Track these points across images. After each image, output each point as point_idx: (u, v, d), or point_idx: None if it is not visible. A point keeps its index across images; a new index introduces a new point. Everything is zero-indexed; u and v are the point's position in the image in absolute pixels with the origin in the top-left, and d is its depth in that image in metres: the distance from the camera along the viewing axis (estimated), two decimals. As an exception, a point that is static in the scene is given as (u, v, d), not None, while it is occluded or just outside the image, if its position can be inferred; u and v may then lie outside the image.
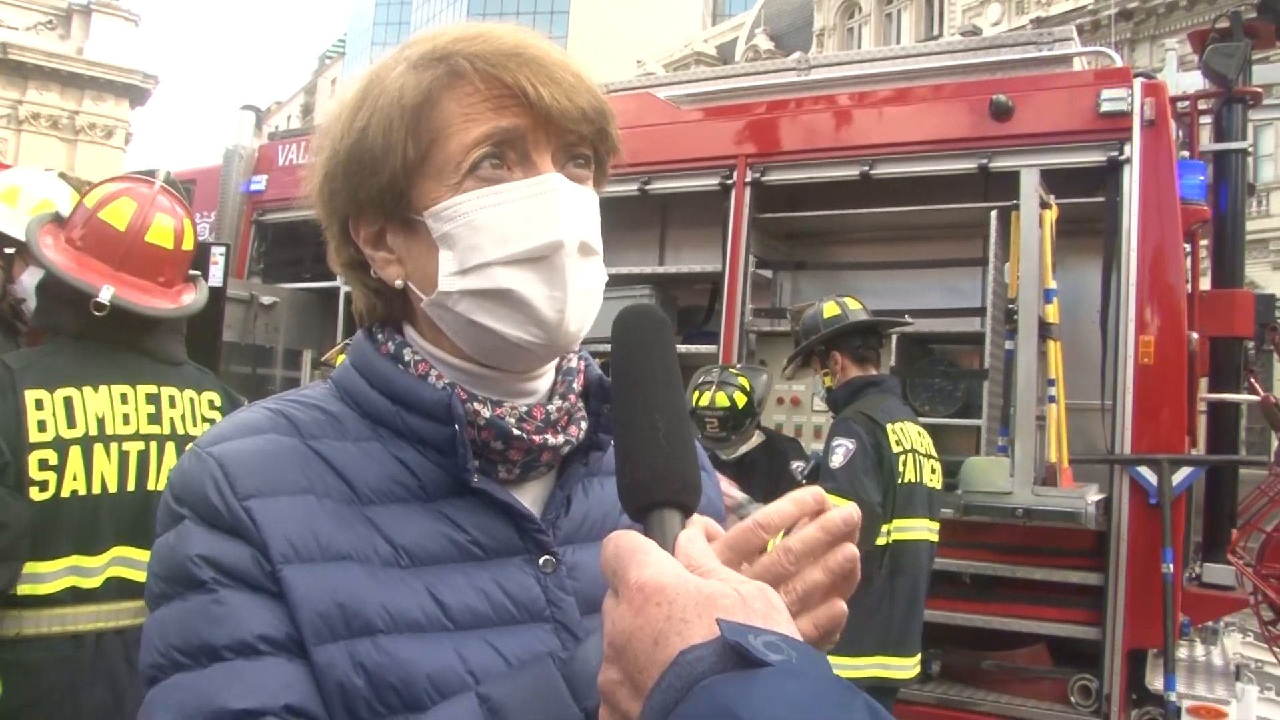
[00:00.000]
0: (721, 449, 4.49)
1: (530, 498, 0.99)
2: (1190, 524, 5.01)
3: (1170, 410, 4.44)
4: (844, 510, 0.79)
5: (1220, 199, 5.15)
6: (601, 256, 0.98)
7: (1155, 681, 4.29)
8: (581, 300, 0.94)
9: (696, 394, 4.50)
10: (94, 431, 2.24)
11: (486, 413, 0.95)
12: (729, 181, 5.45)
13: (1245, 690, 4.46)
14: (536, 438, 0.96)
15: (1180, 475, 4.32)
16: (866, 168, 5.10)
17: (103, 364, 2.32)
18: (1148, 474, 4.32)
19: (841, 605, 0.80)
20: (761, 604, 0.63)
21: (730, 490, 3.65)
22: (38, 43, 29.21)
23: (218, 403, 2.57)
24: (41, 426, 2.17)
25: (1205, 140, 5.24)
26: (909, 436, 3.74)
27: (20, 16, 29.11)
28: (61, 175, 3.19)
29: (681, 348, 5.89)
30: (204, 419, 2.51)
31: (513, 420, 0.95)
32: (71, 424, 2.21)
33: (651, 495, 0.74)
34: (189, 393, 2.48)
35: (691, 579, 0.64)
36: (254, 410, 0.98)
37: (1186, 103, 5.13)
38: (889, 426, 3.66)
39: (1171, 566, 4.20)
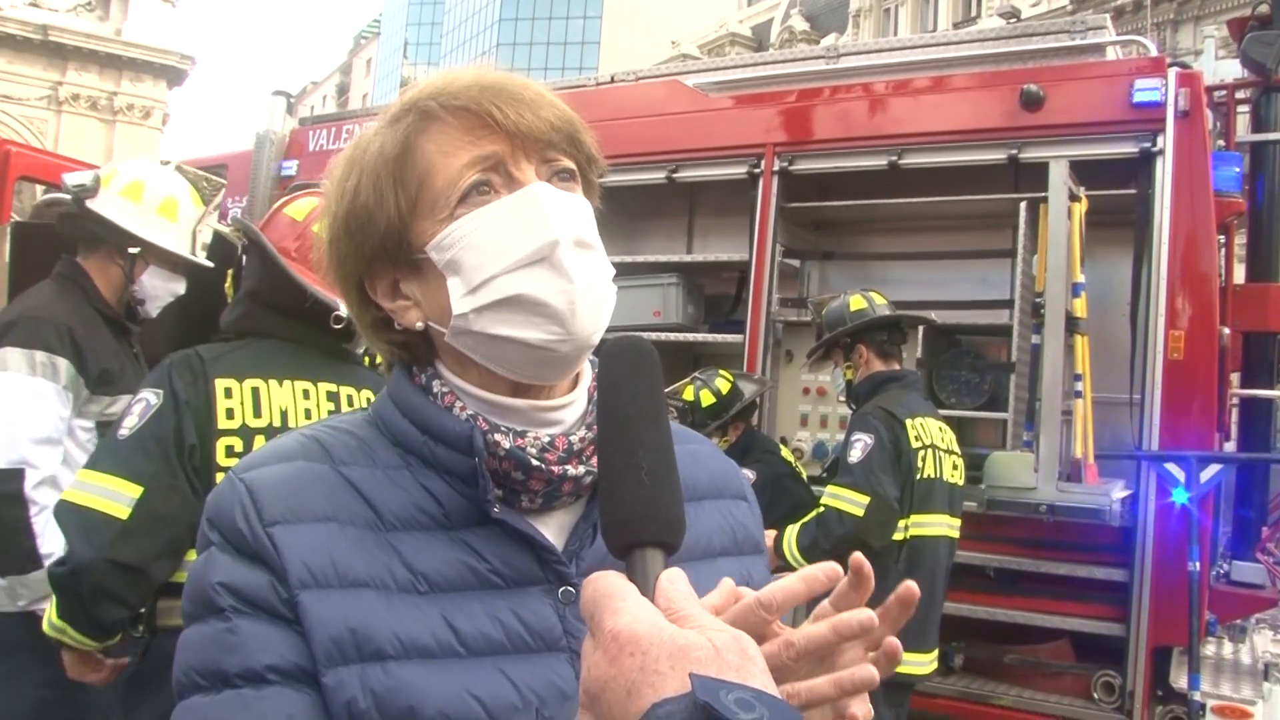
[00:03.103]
0: None
1: (555, 527, 1.00)
2: (1219, 521, 4.95)
3: (1200, 406, 4.38)
4: (861, 615, 0.79)
5: (1257, 191, 5.06)
6: (602, 252, 0.99)
7: (1180, 679, 4.25)
8: (590, 293, 0.95)
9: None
10: (278, 423, 2.26)
11: (507, 444, 0.96)
12: (756, 170, 5.42)
13: (1273, 690, 4.40)
14: (557, 469, 0.97)
15: (1209, 472, 4.27)
16: (895, 157, 5.06)
17: (287, 360, 2.34)
18: (1175, 471, 4.28)
19: (855, 713, 0.80)
20: (736, 655, 0.63)
21: None
22: (77, 24, 29.48)
23: None
24: (230, 414, 2.20)
25: (1243, 130, 5.14)
26: (929, 432, 3.72)
27: (60, -2, 29.42)
28: (179, 169, 3.28)
29: (709, 337, 5.90)
30: None
31: (534, 451, 0.97)
32: (258, 414, 2.24)
33: (633, 534, 0.74)
34: (366, 392, 2.47)
35: (667, 628, 0.64)
36: (290, 436, 1.03)
37: (1223, 92, 5.03)
38: (908, 421, 3.64)
39: (1198, 564, 4.16)
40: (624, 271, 6.23)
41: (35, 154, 8.71)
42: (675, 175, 5.64)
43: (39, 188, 9.72)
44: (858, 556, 0.82)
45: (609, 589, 0.68)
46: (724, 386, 4.40)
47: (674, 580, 0.70)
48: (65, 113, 29.34)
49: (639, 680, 0.61)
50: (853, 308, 4.00)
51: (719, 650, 0.62)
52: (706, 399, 4.36)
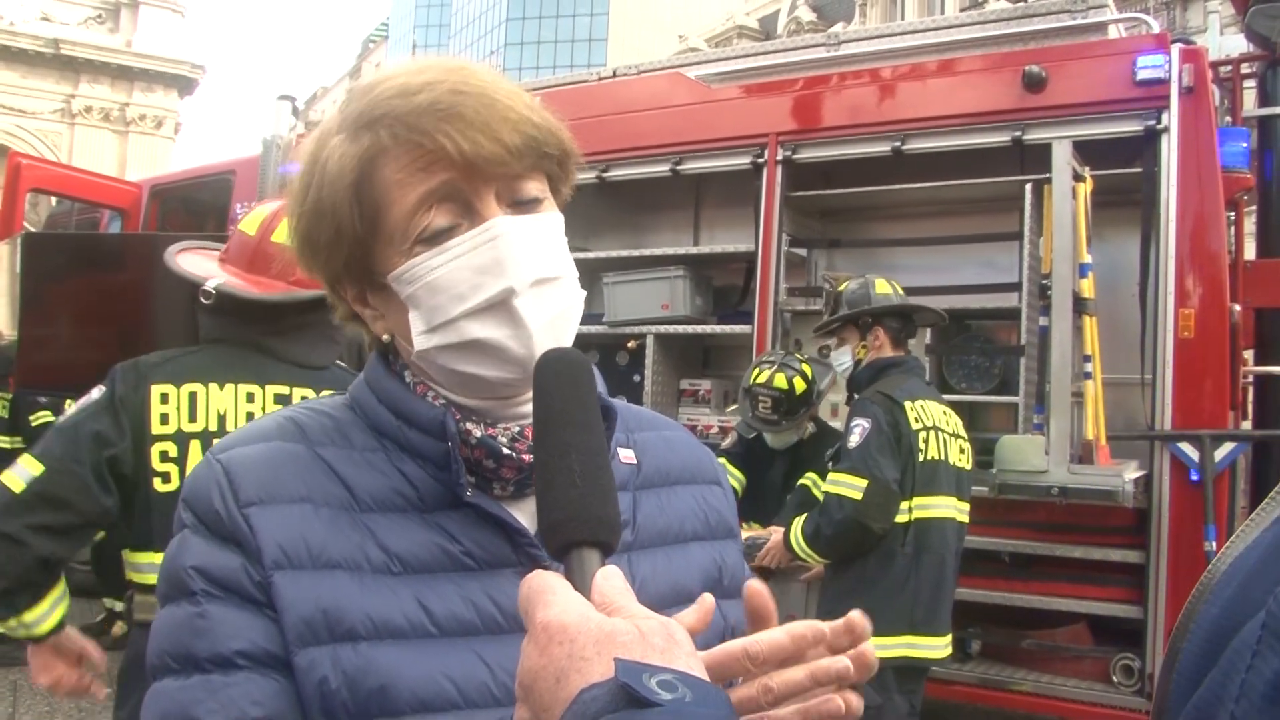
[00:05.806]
0: (771, 433, 4.48)
1: (528, 513, 0.99)
2: (1235, 500, 4.91)
3: (1212, 384, 4.36)
4: (838, 662, 0.80)
5: (1265, 165, 5.01)
6: (567, 277, 0.98)
7: (1199, 660, 4.21)
8: (548, 330, 0.95)
9: (755, 371, 4.50)
10: (214, 427, 2.29)
11: (478, 432, 0.98)
12: (760, 160, 5.42)
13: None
14: (527, 457, 0.97)
15: (1223, 451, 4.24)
16: (898, 143, 5.04)
17: (233, 365, 2.36)
18: (1189, 450, 4.25)
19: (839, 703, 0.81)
20: (661, 639, 0.64)
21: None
22: (88, 37, 29.64)
23: None
24: (164, 419, 2.25)
25: (1249, 105, 5.09)
26: (930, 414, 3.70)
27: (71, 12, 29.55)
28: None
29: (718, 329, 5.89)
30: None
31: (505, 440, 0.98)
32: (193, 418, 2.28)
33: (569, 535, 0.75)
34: (328, 393, 2.44)
35: (594, 617, 0.65)
36: (268, 418, 1.03)
37: (1229, 67, 4.98)
38: (907, 404, 3.62)
39: (1214, 544, 4.13)
40: (631, 265, 6.21)
41: (46, 166, 8.82)
42: (680, 168, 5.64)
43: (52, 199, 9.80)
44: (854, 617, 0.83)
45: (541, 585, 0.70)
46: (808, 371, 4.43)
47: (609, 576, 0.71)
48: (79, 125, 29.49)
49: (567, 667, 0.63)
50: (878, 290, 3.98)
51: (644, 635, 0.64)
52: (799, 385, 4.38)
